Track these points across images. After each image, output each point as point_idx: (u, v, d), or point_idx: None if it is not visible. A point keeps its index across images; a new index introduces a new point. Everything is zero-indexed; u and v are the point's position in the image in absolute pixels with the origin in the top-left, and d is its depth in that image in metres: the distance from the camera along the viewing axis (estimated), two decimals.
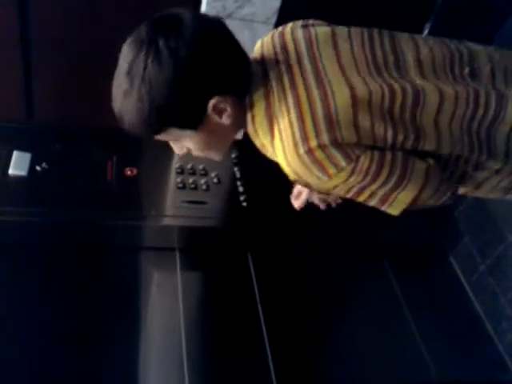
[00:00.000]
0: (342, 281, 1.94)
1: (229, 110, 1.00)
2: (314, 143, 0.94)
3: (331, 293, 1.89)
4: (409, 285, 2.02)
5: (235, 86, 1.01)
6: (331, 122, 0.94)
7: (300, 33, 1.08)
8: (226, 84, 0.99)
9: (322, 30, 1.08)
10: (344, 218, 1.64)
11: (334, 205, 1.49)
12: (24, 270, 1.62)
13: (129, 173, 1.87)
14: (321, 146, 0.94)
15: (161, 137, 1.04)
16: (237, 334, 1.64)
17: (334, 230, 1.91)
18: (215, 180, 1.94)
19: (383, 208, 1.06)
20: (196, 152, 1.09)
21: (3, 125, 1.92)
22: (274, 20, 1.92)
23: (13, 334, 1.47)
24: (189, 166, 1.95)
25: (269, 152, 1.05)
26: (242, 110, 1.02)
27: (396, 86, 1.00)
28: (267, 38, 1.11)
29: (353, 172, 0.97)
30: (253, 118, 1.02)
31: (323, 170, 0.97)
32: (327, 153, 0.95)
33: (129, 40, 0.98)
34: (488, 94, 1.04)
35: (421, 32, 2.10)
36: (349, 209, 1.46)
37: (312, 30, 1.08)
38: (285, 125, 0.97)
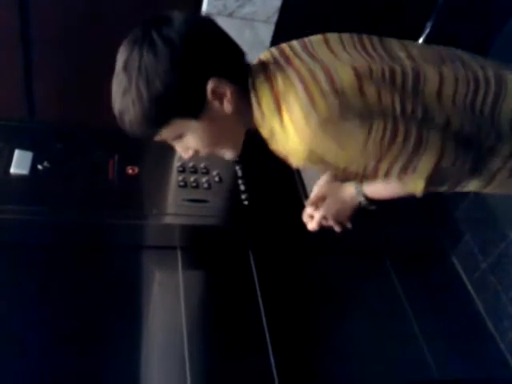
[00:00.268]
0: (344, 280, 1.94)
1: (228, 94, 1.01)
2: (324, 111, 0.95)
3: (333, 292, 1.89)
4: (410, 284, 2.02)
5: (231, 68, 1.03)
6: (337, 91, 0.96)
7: (295, 42, 1.13)
8: (221, 65, 1.01)
9: (314, 37, 1.14)
10: None
11: (348, 226, 1.45)
12: (25, 269, 1.62)
13: (130, 171, 1.87)
14: (331, 114, 0.95)
15: (163, 134, 1.05)
16: (238, 332, 1.63)
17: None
18: (217, 178, 1.93)
19: (404, 180, 1.05)
20: (203, 149, 1.10)
21: (5, 123, 1.92)
22: (274, 19, 1.92)
23: (13, 334, 1.47)
24: (190, 164, 1.94)
25: (279, 140, 1.04)
26: (243, 98, 1.04)
27: (395, 67, 1.02)
28: (264, 52, 1.15)
29: (367, 140, 0.97)
30: (258, 101, 1.03)
31: (337, 139, 0.97)
32: (338, 120, 0.95)
33: (124, 42, 1.01)
34: (486, 74, 1.07)
35: (421, 31, 2.10)
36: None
37: (305, 39, 1.14)
38: (292, 101, 0.98)
